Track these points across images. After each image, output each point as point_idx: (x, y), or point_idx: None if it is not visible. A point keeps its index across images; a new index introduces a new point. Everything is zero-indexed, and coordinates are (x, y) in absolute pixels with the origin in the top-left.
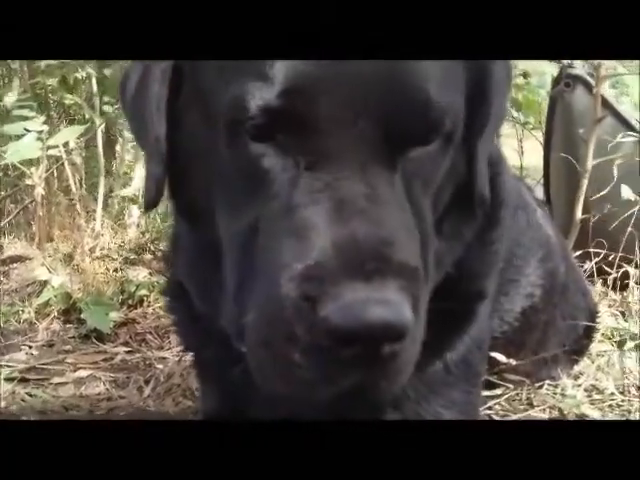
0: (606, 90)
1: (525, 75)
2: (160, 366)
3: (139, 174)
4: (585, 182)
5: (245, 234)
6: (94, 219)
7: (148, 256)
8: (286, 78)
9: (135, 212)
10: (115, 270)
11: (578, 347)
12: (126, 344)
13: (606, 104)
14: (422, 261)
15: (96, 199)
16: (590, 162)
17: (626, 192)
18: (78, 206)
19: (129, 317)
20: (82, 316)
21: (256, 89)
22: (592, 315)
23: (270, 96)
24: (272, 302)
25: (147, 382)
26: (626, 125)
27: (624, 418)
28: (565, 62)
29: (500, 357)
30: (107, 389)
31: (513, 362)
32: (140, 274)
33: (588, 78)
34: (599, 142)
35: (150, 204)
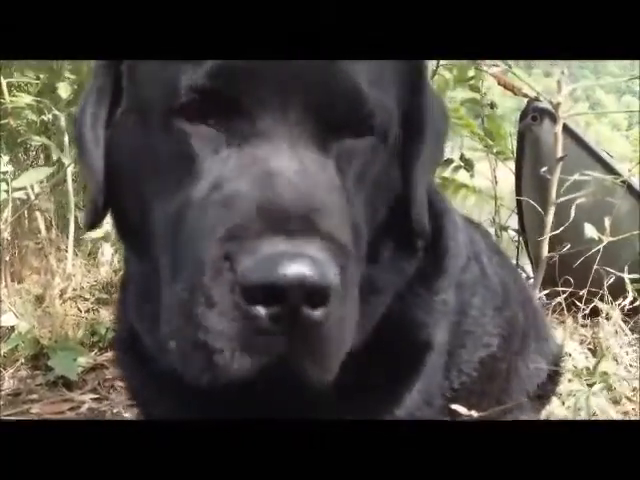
0: (576, 123)
1: (492, 105)
2: (127, 415)
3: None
4: (550, 221)
5: (174, 220)
6: (66, 258)
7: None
8: (215, 60)
9: (108, 250)
10: (87, 311)
11: (543, 393)
12: (94, 391)
13: (573, 136)
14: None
15: (67, 238)
16: (553, 201)
17: (590, 231)
18: (47, 248)
19: (98, 362)
20: (49, 363)
21: (186, 70)
22: (556, 359)
23: (198, 76)
24: (194, 270)
25: None
26: (594, 157)
27: None
28: (532, 95)
29: (461, 409)
30: None
31: (475, 414)
32: (112, 315)
33: (555, 112)
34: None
35: (88, 226)
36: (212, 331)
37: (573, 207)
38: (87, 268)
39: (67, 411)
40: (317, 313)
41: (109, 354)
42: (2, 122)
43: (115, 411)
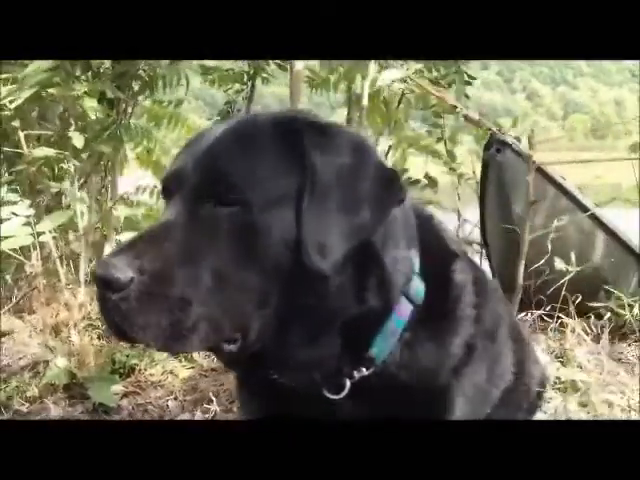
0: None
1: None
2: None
3: (112, 243)
4: (524, 253)
5: None
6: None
7: None
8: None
9: None
10: (99, 337)
11: (533, 407)
12: (131, 415)
13: (545, 175)
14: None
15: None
16: (526, 243)
17: (559, 264)
18: (63, 281)
19: (129, 389)
20: (89, 392)
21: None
22: (543, 382)
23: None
24: None
25: None
26: (566, 194)
27: None
28: (494, 129)
29: None
30: None
31: None
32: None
33: (516, 143)
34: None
35: None
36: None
37: (549, 242)
38: (92, 296)
39: None
40: (116, 296)
41: (132, 379)
42: (21, 168)
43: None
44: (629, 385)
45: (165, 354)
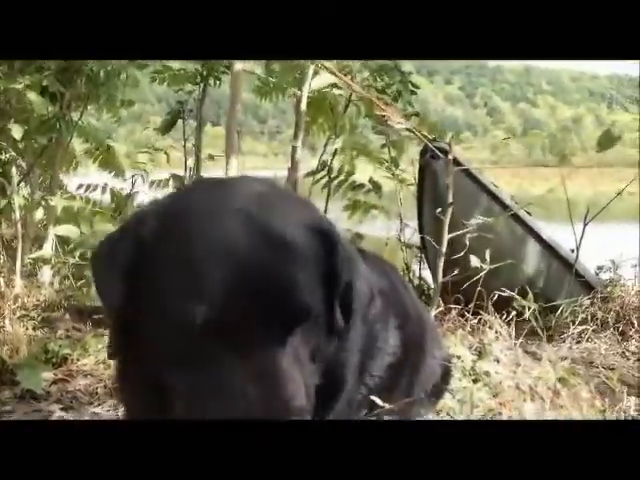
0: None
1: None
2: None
3: (50, 236)
4: (443, 252)
5: None
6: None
7: (64, 314)
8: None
9: (47, 272)
10: (34, 328)
11: (437, 390)
12: (59, 401)
13: (469, 174)
14: None
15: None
16: (445, 243)
17: (474, 261)
18: None
19: (58, 377)
20: (18, 378)
21: None
22: (447, 364)
23: None
24: None
25: None
26: (487, 192)
27: None
28: (429, 137)
29: (378, 400)
30: None
31: (387, 405)
32: (58, 332)
33: (450, 150)
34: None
35: None
36: None
37: (467, 240)
38: (29, 289)
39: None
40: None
41: (63, 368)
42: None
43: (85, 419)
44: (541, 377)
45: (99, 345)
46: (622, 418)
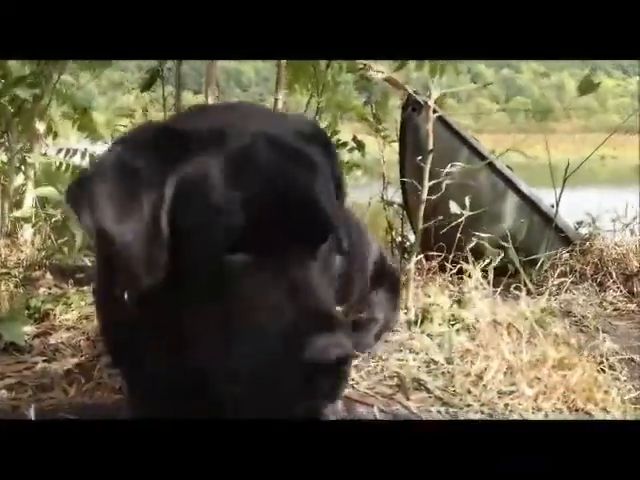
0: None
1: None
2: (77, 371)
3: (30, 195)
4: (424, 200)
5: None
6: None
7: (45, 273)
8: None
9: (28, 231)
10: (16, 286)
11: (377, 276)
12: (42, 354)
13: (447, 125)
14: None
15: None
16: (426, 187)
17: (454, 207)
18: None
19: (40, 330)
20: (0, 331)
21: None
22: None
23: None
24: None
25: (70, 384)
26: (467, 144)
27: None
28: (410, 90)
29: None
30: (34, 393)
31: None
32: (40, 290)
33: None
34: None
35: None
36: None
37: (443, 185)
38: (9, 247)
39: (24, 370)
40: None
41: (46, 323)
42: None
43: (65, 368)
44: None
45: (81, 302)
46: (597, 357)
